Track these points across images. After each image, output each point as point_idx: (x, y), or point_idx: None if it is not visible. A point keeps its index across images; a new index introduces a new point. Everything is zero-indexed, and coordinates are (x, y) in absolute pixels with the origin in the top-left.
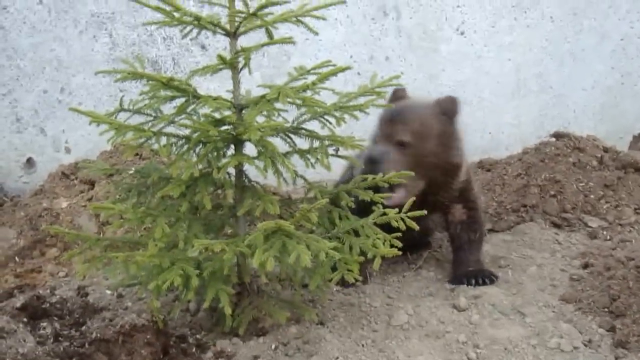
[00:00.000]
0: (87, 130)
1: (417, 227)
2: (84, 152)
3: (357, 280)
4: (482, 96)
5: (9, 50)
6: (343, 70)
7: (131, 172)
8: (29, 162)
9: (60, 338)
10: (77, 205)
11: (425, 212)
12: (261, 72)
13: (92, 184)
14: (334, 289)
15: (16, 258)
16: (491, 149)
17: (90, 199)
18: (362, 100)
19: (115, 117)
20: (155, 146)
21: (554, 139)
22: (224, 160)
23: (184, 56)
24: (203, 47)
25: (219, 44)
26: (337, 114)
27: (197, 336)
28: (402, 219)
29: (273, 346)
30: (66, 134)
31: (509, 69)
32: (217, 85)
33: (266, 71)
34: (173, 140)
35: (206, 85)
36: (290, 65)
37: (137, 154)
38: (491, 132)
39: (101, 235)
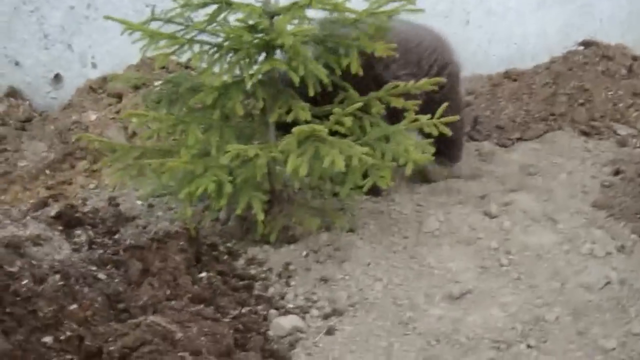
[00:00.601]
0: (114, 45)
1: (450, 133)
2: (110, 67)
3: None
4: (508, 6)
5: None
6: None
7: (161, 82)
8: (57, 78)
9: (94, 245)
10: (106, 117)
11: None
12: None
13: (119, 97)
14: (363, 197)
15: (47, 171)
16: (517, 60)
17: (118, 112)
18: (392, 6)
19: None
20: (188, 54)
21: (582, 48)
22: (255, 67)
23: None
24: None
25: None
26: (369, 19)
27: (228, 244)
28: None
29: (304, 253)
30: (92, 49)
31: None
32: None
33: None
34: (205, 48)
35: None
36: None
37: (164, 68)
38: (517, 42)
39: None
